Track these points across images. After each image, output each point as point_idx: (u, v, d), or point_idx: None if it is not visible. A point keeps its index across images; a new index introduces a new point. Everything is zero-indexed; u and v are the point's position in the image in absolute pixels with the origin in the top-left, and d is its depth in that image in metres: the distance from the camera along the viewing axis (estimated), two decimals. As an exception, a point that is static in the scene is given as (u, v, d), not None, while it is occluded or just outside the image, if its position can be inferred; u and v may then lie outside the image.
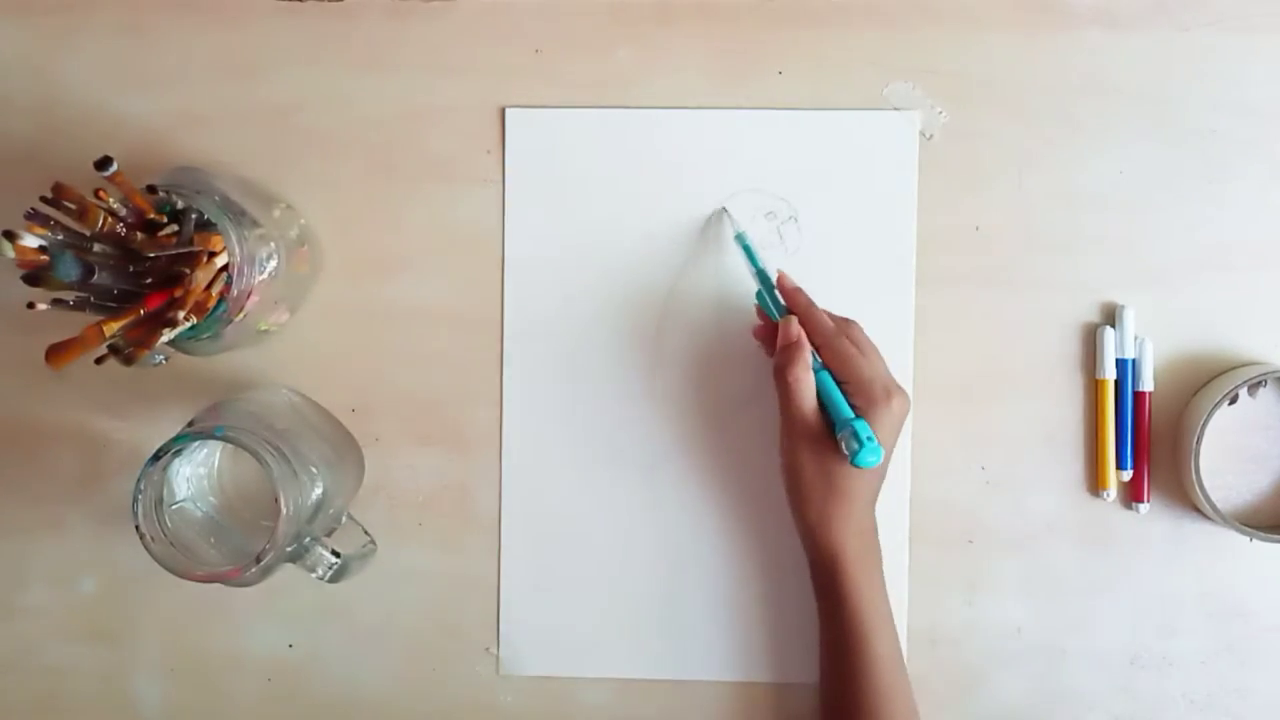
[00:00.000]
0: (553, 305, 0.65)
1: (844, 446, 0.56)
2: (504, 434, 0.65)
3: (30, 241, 0.50)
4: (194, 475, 0.61)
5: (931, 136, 0.64)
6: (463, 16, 0.64)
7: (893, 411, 0.57)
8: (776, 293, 0.61)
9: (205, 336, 0.56)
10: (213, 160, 0.64)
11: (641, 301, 0.65)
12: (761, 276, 0.62)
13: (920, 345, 0.64)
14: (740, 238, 0.63)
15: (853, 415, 0.56)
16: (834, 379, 0.58)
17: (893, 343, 0.64)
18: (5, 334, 0.65)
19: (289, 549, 0.55)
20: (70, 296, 0.53)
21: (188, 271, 0.53)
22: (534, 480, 0.65)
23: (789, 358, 0.58)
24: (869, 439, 0.55)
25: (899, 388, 0.58)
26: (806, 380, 0.58)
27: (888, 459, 0.58)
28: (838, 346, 0.58)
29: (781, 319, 0.60)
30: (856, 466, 0.55)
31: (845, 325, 0.60)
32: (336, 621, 0.66)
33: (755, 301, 0.63)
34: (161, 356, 0.57)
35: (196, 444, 0.57)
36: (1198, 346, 0.64)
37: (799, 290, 0.61)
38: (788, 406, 0.58)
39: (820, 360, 0.58)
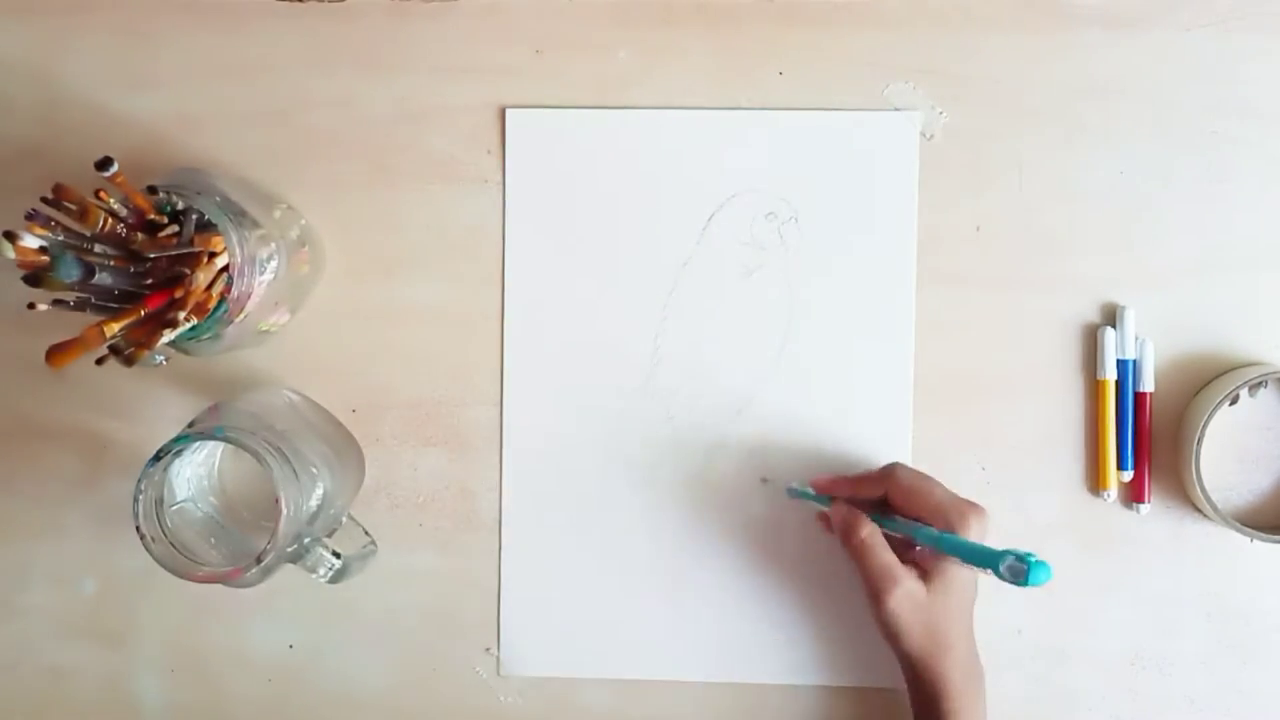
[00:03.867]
0: (553, 305, 0.65)
1: (1009, 576, 0.53)
2: (504, 434, 0.65)
3: (31, 242, 0.50)
4: (194, 476, 0.61)
5: (932, 137, 0.64)
6: (463, 16, 0.64)
7: (971, 528, 0.56)
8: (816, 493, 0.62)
9: (206, 337, 0.56)
10: (213, 161, 0.64)
11: (641, 301, 0.65)
12: (810, 498, 0.62)
13: (920, 345, 0.64)
14: (791, 492, 0.63)
15: (997, 549, 0.54)
16: (915, 519, 0.58)
17: (892, 342, 0.64)
18: (6, 334, 0.65)
19: (289, 550, 0.55)
20: (71, 297, 0.53)
21: (188, 272, 0.53)
22: (534, 480, 0.65)
23: (849, 524, 0.58)
24: (1031, 558, 0.52)
25: (970, 503, 0.58)
26: (874, 534, 0.58)
27: (975, 584, 0.58)
28: (900, 483, 0.59)
29: (831, 508, 0.60)
30: (1033, 585, 0.52)
31: (893, 467, 0.60)
32: (337, 622, 0.66)
33: (817, 508, 0.63)
34: (162, 357, 0.57)
35: (197, 444, 0.57)
36: (1198, 347, 0.64)
37: (833, 479, 0.62)
38: (868, 565, 0.58)
39: (898, 520, 0.58)
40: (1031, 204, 0.64)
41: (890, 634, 0.58)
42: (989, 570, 0.54)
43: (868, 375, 0.64)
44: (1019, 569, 0.52)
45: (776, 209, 0.64)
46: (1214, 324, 0.64)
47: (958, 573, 0.57)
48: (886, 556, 0.58)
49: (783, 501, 0.64)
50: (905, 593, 0.57)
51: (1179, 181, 0.63)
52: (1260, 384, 0.63)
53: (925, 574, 0.58)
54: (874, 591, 0.58)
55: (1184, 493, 0.64)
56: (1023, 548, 0.53)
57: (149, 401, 0.65)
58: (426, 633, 0.66)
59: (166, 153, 0.64)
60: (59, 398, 0.65)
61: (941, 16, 0.64)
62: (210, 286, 0.54)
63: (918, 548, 0.58)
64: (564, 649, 0.65)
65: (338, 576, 0.57)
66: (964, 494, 0.58)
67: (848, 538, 0.59)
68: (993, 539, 0.64)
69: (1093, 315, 0.64)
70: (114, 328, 0.51)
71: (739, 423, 0.65)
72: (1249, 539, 0.62)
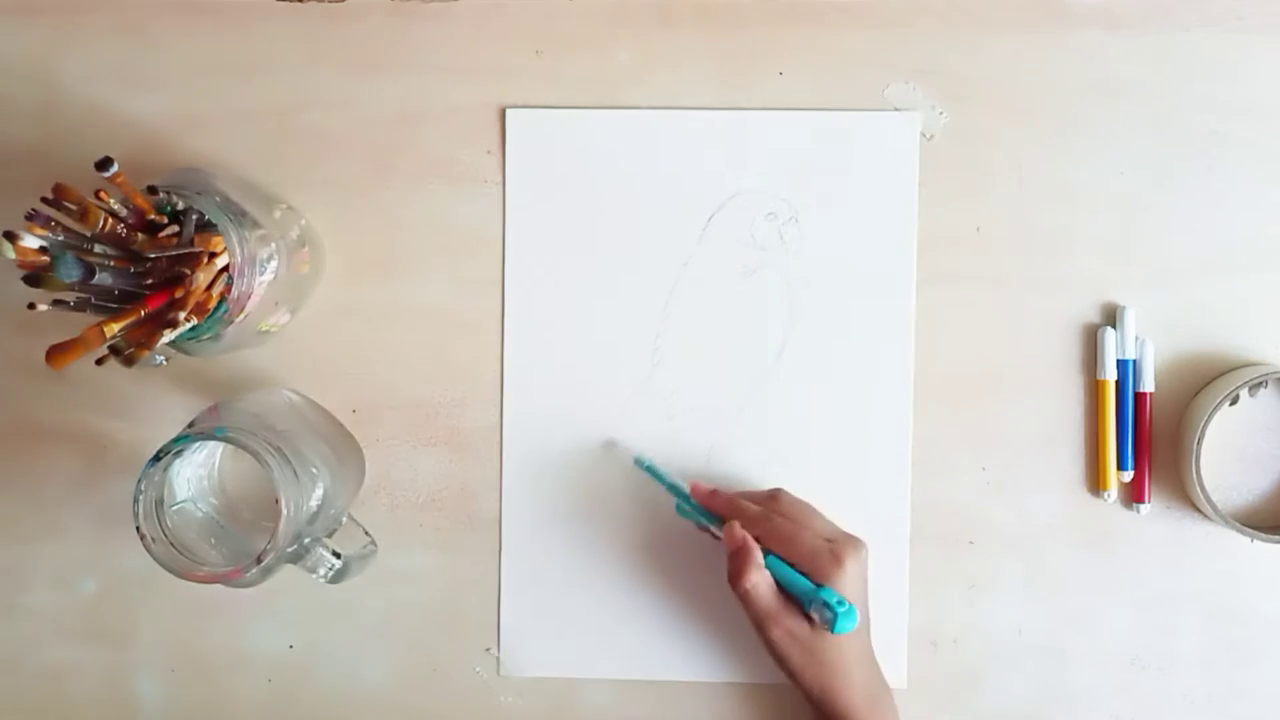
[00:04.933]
0: (553, 305, 0.65)
1: (820, 620, 0.56)
2: (504, 434, 0.65)
3: (31, 242, 0.50)
4: (195, 476, 0.61)
5: (932, 137, 0.64)
6: (463, 17, 0.64)
7: (846, 570, 0.57)
8: (695, 502, 0.62)
9: (206, 337, 0.56)
10: (213, 161, 0.64)
11: (642, 301, 0.65)
12: (675, 491, 0.62)
13: (920, 345, 0.64)
14: (639, 462, 0.63)
15: (814, 587, 0.56)
16: (783, 558, 0.58)
17: (892, 343, 0.64)
18: (6, 334, 0.65)
19: (290, 550, 0.55)
20: (71, 297, 0.53)
21: (188, 272, 0.53)
22: (534, 480, 0.65)
23: (739, 565, 0.58)
24: (839, 603, 0.55)
25: (846, 538, 0.58)
26: (763, 581, 0.57)
27: (865, 611, 0.58)
28: (771, 528, 0.58)
29: (724, 528, 0.59)
30: (839, 634, 0.55)
31: (772, 501, 0.60)
32: (337, 622, 0.66)
33: (681, 516, 0.63)
34: (162, 357, 0.57)
35: (197, 445, 0.57)
36: (1198, 347, 0.64)
37: (714, 492, 0.61)
38: (753, 609, 0.58)
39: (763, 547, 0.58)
40: (1031, 204, 0.64)
41: (783, 669, 0.58)
42: (813, 610, 0.56)
43: (868, 375, 0.64)
44: (826, 615, 0.55)
45: (776, 209, 0.64)
46: (1214, 324, 0.64)
47: None
48: (768, 600, 0.57)
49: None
50: (784, 631, 0.57)
51: (1179, 181, 0.63)
52: (1260, 384, 0.63)
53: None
54: (756, 630, 0.58)
55: (1184, 493, 0.64)
56: (961, 491, 0.55)
57: (149, 401, 0.65)
58: (426, 633, 0.66)
59: (166, 153, 0.64)
60: (59, 398, 0.65)
61: (941, 16, 0.64)
62: (210, 287, 0.54)
63: None
64: (564, 649, 0.65)
65: (338, 576, 0.57)
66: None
67: (736, 578, 0.58)
68: (994, 539, 0.64)
69: (1093, 315, 0.64)
70: (114, 328, 0.51)
71: (739, 423, 0.65)
72: (1249, 539, 0.62)
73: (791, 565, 0.58)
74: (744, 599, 0.58)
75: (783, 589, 0.58)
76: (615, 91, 0.64)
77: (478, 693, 0.66)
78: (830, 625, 0.55)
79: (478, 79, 0.64)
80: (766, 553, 0.58)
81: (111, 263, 0.52)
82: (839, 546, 0.57)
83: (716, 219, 0.64)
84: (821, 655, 0.57)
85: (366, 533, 0.60)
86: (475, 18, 0.64)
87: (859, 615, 0.56)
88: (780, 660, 0.58)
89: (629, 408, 0.65)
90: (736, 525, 0.59)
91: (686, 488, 0.62)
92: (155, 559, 0.54)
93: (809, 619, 0.57)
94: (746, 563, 0.57)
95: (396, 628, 0.66)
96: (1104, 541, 0.64)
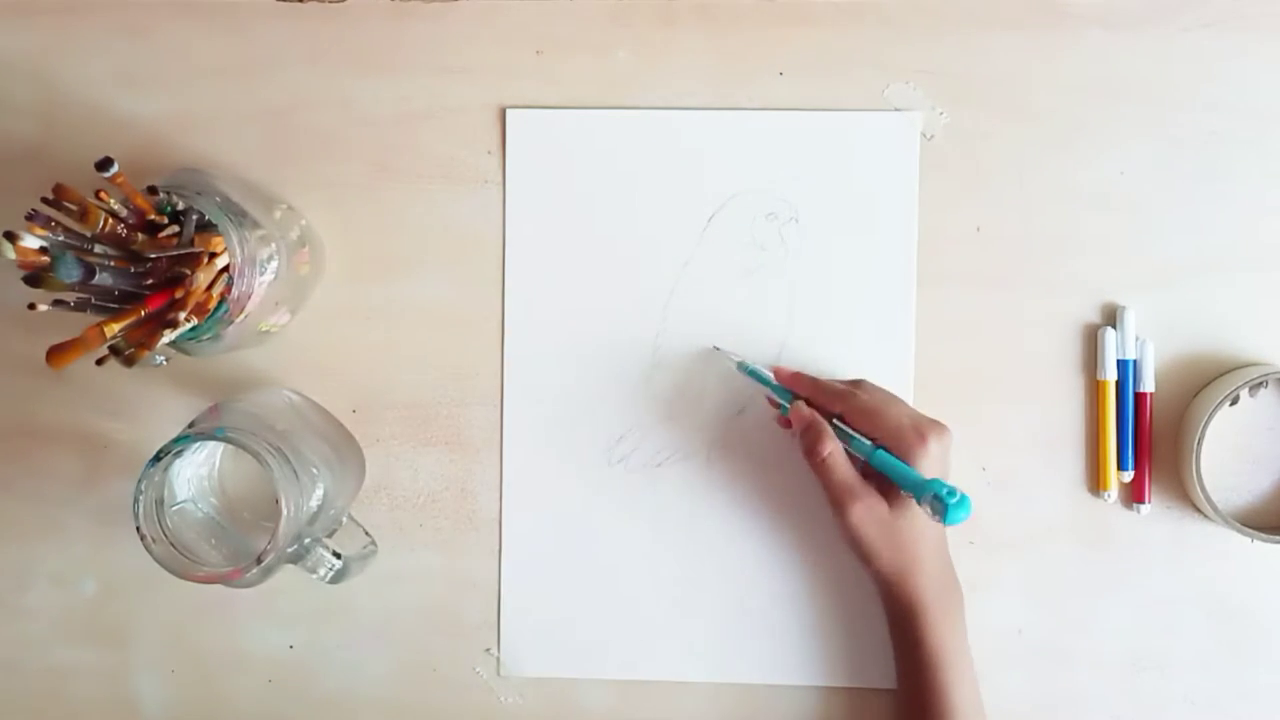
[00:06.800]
0: (553, 305, 0.65)
1: (929, 510, 0.54)
2: (504, 434, 0.65)
3: (31, 242, 0.50)
4: (195, 476, 0.61)
5: (932, 137, 0.64)
6: (463, 17, 0.64)
7: (929, 449, 0.57)
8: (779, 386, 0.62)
9: (206, 338, 0.56)
10: (213, 161, 0.64)
11: (642, 302, 0.65)
12: (765, 381, 0.62)
13: (920, 345, 0.64)
14: (742, 366, 0.63)
15: (924, 479, 0.55)
16: (869, 439, 0.58)
17: (893, 343, 0.64)
18: (6, 334, 0.65)
19: (290, 550, 0.55)
20: (71, 297, 0.53)
21: (188, 273, 0.53)
22: (534, 480, 0.65)
23: (812, 437, 0.58)
24: (950, 494, 0.54)
25: (931, 422, 0.58)
26: (836, 451, 0.58)
27: None
28: (855, 405, 0.59)
29: (790, 405, 0.60)
30: (950, 524, 0.54)
31: (856, 384, 0.61)
32: (337, 622, 0.66)
33: (769, 396, 0.63)
34: (162, 358, 0.57)
35: (197, 445, 0.57)
36: (1199, 347, 0.64)
37: (798, 375, 0.62)
38: (830, 481, 0.58)
39: (849, 429, 0.59)
40: (1031, 204, 0.64)
41: (856, 551, 0.58)
42: (924, 500, 0.55)
43: (868, 375, 0.64)
44: (938, 506, 0.54)
45: (777, 209, 0.64)
46: (1214, 324, 0.64)
47: None
48: (848, 472, 0.58)
49: (781, 499, 0.64)
50: (865, 508, 0.57)
51: (1179, 181, 0.63)
52: (1260, 384, 0.63)
53: (887, 490, 0.58)
54: (835, 507, 0.58)
55: (1184, 493, 0.64)
56: (960, 488, 0.54)
57: (149, 402, 0.65)
58: (426, 633, 0.66)
59: (166, 153, 0.64)
60: (59, 398, 0.65)
61: (941, 16, 0.64)
62: (210, 287, 0.54)
63: None
64: (564, 649, 0.65)
65: (338, 577, 0.57)
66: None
67: (809, 450, 0.58)
68: (994, 539, 0.64)
69: (1093, 315, 0.64)
70: (114, 328, 0.51)
71: (739, 423, 0.65)
72: (1249, 539, 0.62)
73: (874, 441, 0.58)
74: (820, 470, 0.58)
75: (874, 476, 0.58)
76: (615, 91, 0.64)
77: (478, 693, 0.66)
78: (942, 516, 0.53)
79: (478, 79, 0.64)
80: (860, 437, 0.58)
81: (111, 263, 0.52)
82: (923, 425, 0.57)
83: (716, 219, 0.64)
84: (898, 537, 0.57)
85: (366, 533, 0.60)
86: (475, 18, 0.64)
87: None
88: (856, 540, 0.58)
89: (629, 407, 0.65)
90: (801, 404, 0.60)
91: (781, 391, 0.62)
92: (155, 559, 0.54)
93: (887, 500, 0.57)
94: (820, 434, 0.58)
95: (396, 628, 0.66)
96: (1104, 541, 0.64)
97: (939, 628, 0.58)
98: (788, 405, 0.61)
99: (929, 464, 0.57)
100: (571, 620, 0.65)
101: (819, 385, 0.61)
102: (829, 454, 0.58)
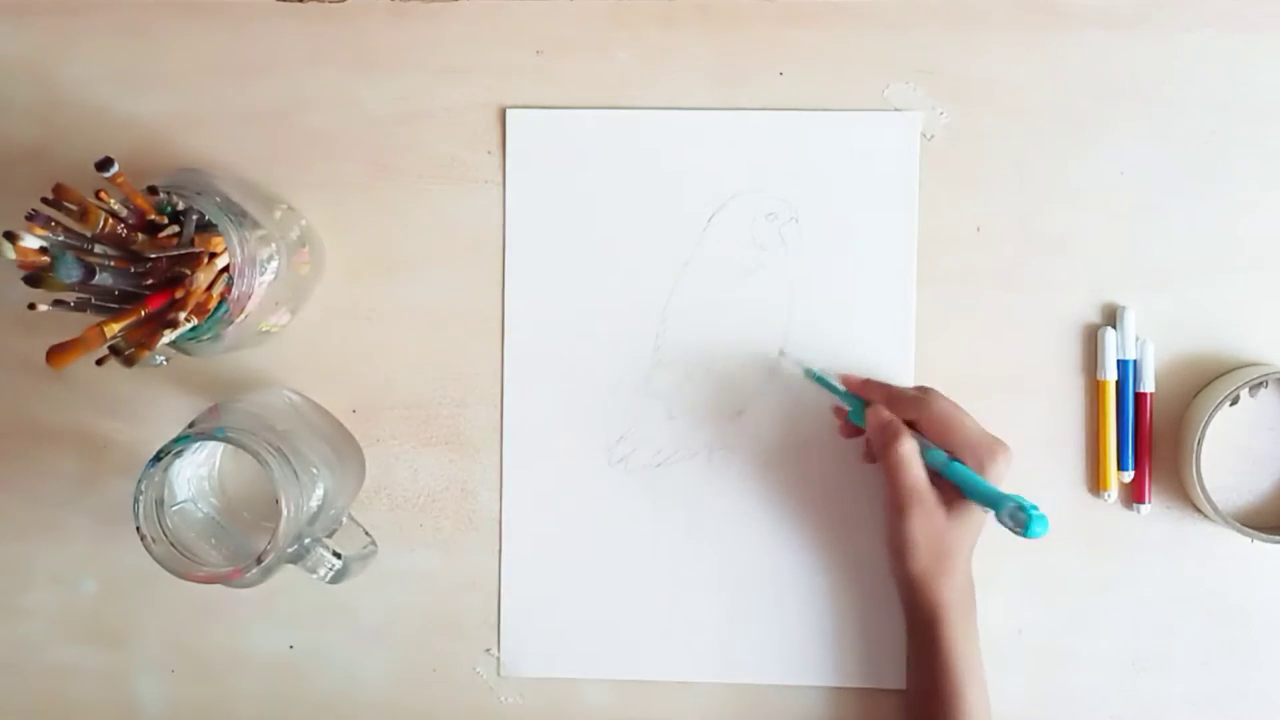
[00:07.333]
0: (553, 305, 0.65)
1: (1010, 523, 0.55)
2: (504, 434, 0.65)
3: (31, 242, 0.50)
4: (195, 476, 0.61)
5: (932, 137, 0.64)
6: (463, 17, 0.64)
7: (999, 464, 0.57)
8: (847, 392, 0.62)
9: (206, 338, 0.56)
10: (213, 161, 0.64)
11: (642, 301, 0.65)
12: (850, 400, 0.62)
13: (920, 345, 0.64)
14: (809, 373, 0.63)
15: (1003, 492, 0.56)
16: (941, 446, 0.58)
17: (893, 343, 0.64)
18: (6, 334, 0.65)
19: (290, 550, 0.55)
20: (71, 297, 0.53)
21: (189, 273, 0.53)
22: (534, 480, 0.65)
23: (890, 435, 0.58)
24: (1032, 508, 0.54)
25: (997, 439, 0.58)
26: (914, 451, 0.58)
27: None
28: (930, 415, 0.59)
29: (869, 409, 0.60)
30: (1031, 537, 0.54)
31: (925, 391, 0.61)
32: (337, 622, 0.66)
33: (835, 404, 0.63)
34: (162, 358, 0.57)
35: (197, 445, 0.57)
36: (1199, 347, 0.64)
37: (868, 381, 0.62)
38: (902, 481, 0.58)
39: (923, 437, 0.59)
40: (1031, 204, 0.64)
41: (899, 551, 0.59)
42: (990, 510, 0.55)
43: (868, 375, 0.64)
44: (1020, 518, 0.54)
45: (777, 209, 0.64)
46: (1214, 324, 0.64)
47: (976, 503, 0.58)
48: (919, 474, 0.58)
49: (781, 499, 0.64)
50: (926, 514, 0.57)
51: (1179, 181, 0.63)
52: (1260, 384, 0.63)
53: (947, 497, 0.58)
54: (898, 506, 0.58)
55: (1184, 493, 0.64)
56: (1029, 500, 0.54)
57: (149, 402, 0.65)
58: (426, 633, 0.66)
59: (166, 153, 0.64)
60: (59, 398, 0.65)
61: (941, 16, 0.64)
62: (210, 287, 0.54)
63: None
64: (564, 649, 0.65)
65: (338, 577, 0.57)
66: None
67: (886, 448, 0.58)
68: (993, 539, 0.64)
69: (1093, 315, 0.64)
70: (114, 328, 0.51)
71: (739, 423, 0.65)
72: (1249, 539, 0.62)
73: (947, 452, 0.58)
74: (895, 469, 0.58)
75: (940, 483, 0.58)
76: (615, 91, 0.64)
77: (478, 693, 0.66)
78: (1024, 528, 0.54)
79: (478, 79, 0.64)
80: (936, 448, 0.58)
81: (111, 263, 0.52)
82: (994, 439, 0.58)
83: (716, 219, 0.64)
84: (941, 544, 0.58)
85: (366, 533, 0.60)
86: (475, 18, 0.64)
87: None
88: (905, 542, 0.58)
89: (629, 407, 0.65)
90: (880, 407, 0.59)
91: (849, 398, 0.62)
92: (155, 559, 0.54)
93: (944, 507, 0.57)
94: (899, 433, 0.58)
95: (396, 628, 0.66)
96: (1104, 541, 0.64)
97: (957, 632, 0.59)
98: (853, 410, 0.61)
99: (1002, 477, 0.57)
100: (571, 620, 0.65)
101: (891, 391, 0.61)
102: (906, 453, 0.58)
